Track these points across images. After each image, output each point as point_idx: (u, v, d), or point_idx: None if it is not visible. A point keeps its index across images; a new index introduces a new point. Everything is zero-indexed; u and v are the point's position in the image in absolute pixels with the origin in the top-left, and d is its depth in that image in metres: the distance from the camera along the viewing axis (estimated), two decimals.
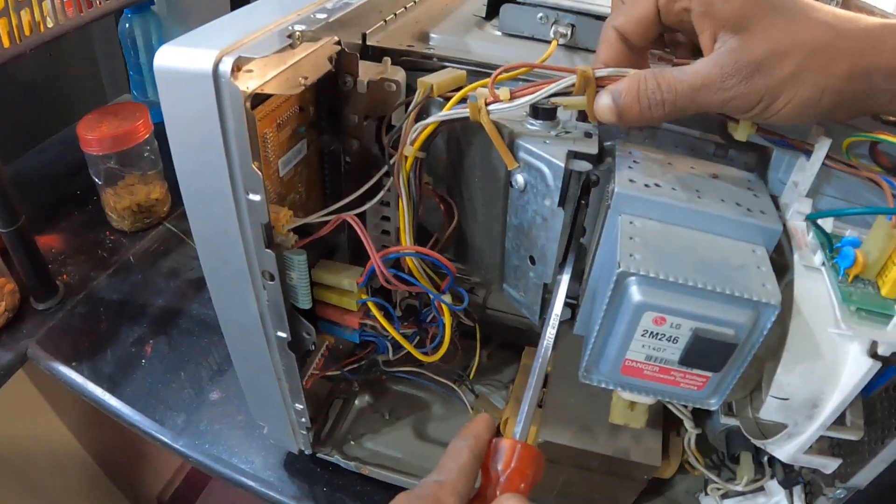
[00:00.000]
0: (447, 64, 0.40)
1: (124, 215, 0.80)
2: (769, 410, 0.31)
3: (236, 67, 0.28)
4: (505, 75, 0.33)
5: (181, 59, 0.29)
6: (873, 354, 0.28)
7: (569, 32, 0.40)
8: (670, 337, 0.27)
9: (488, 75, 0.34)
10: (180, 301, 0.74)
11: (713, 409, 0.31)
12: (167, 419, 0.61)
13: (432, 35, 0.43)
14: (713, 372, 0.28)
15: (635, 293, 0.27)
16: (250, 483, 0.56)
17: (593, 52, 0.42)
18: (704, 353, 0.27)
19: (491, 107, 0.32)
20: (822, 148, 0.31)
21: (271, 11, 0.33)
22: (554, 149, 0.32)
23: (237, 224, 0.33)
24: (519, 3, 0.41)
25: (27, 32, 0.59)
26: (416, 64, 0.41)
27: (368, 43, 0.41)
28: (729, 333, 0.26)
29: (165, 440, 0.60)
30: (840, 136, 0.32)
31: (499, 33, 0.44)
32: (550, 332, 0.32)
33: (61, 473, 1.03)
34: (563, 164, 0.31)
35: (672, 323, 0.27)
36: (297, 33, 0.31)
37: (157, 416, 0.61)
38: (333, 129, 0.41)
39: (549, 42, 0.41)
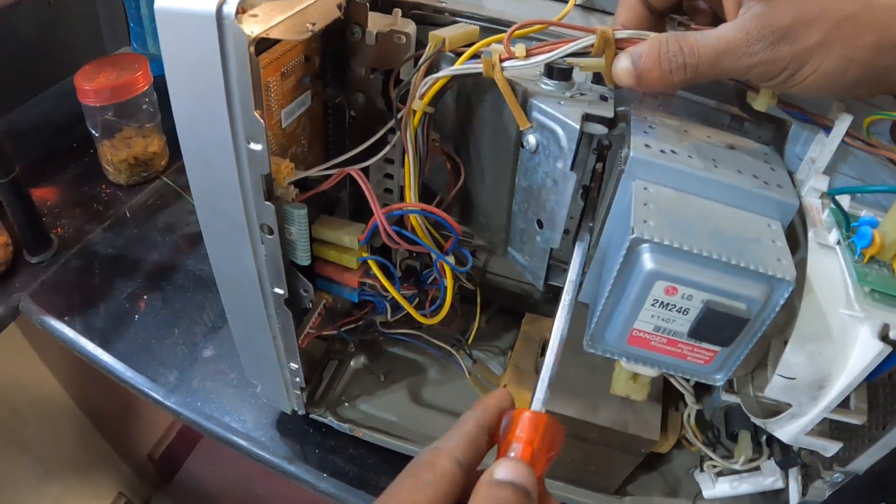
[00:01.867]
0: (459, 19, 0.39)
1: (121, 168, 0.79)
2: (774, 389, 0.30)
3: (241, 9, 0.27)
4: (521, 31, 0.32)
5: (182, 2, 0.27)
6: (884, 338, 0.27)
7: None
8: (681, 308, 0.27)
9: (502, 32, 0.32)
10: (176, 256, 0.73)
11: (719, 384, 0.30)
12: (159, 376, 0.61)
13: None
14: (722, 346, 0.28)
15: (648, 261, 0.26)
16: (241, 442, 0.56)
17: (610, 14, 0.40)
18: (715, 326, 0.26)
19: (505, 63, 0.30)
20: (842, 124, 0.30)
21: None
22: (569, 110, 0.31)
23: (236, 174, 0.32)
24: None
25: None
26: (428, 18, 0.39)
27: None
28: (741, 308, 0.26)
29: (157, 397, 0.60)
30: (861, 114, 0.31)
31: None
32: (567, 299, 0.31)
33: (52, 428, 1.03)
34: (577, 126, 0.30)
35: (683, 294, 0.26)
36: None
37: (150, 373, 0.61)
38: (339, 81, 0.40)
39: (565, 1, 0.39)
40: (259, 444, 0.56)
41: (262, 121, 0.30)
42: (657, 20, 0.32)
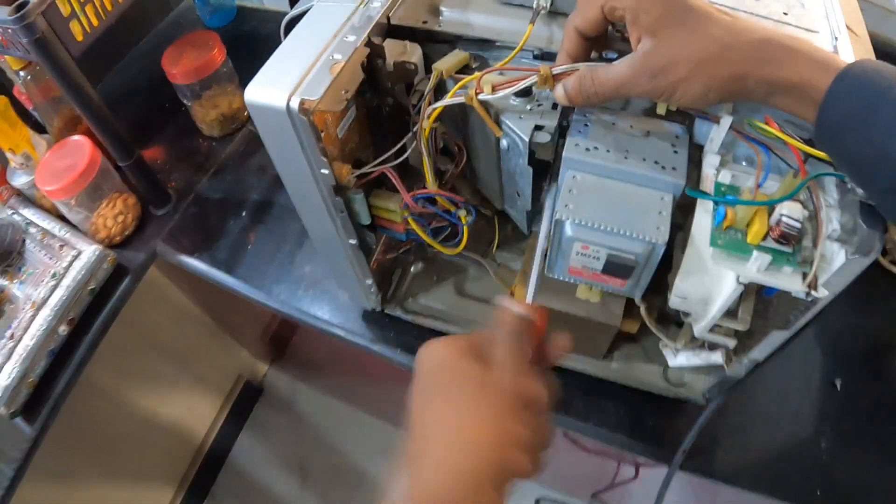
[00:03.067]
0: (453, 36, 0.52)
1: (213, 125, 0.96)
2: (675, 303, 0.46)
3: (301, 103, 0.43)
4: (485, 77, 0.45)
5: (263, 97, 0.44)
6: (738, 280, 0.41)
7: (548, 2, 0.51)
8: (594, 257, 0.43)
9: (488, 44, 0.47)
10: (270, 193, 0.91)
11: (637, 298, 0.47)
12: (273, 290, 0.81)
13: (442, 9, 0.54)
14: (625, 279, 0.44)
15: (568, 230, 0.42)
16: (339, 332, 0.77)
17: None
18: (615, 269, 0.43)
19: (480, 96, 0.45)
20: (725, 122, 0.43)
21: (312, 43, 0.46)
22: (524, 124, 0.46)
23: (316, 186, 0.50)
24: None
25: None
26: (430, 35, 0.53)
27: (392, 23, 0.53)
28: (630, 258, 0.42)
29: (274, 306, 0.81)
30: (745, 113, 0.43)
31: (496, 2, 0.54)
32: (542, 241, 0.47)
33: (183, 332, 1.29)
34: (527, 139, 0.45)
35: (593, 250, 0.42)
36: (336, 65, 0.44)
37: (265, 289, 0.81)
38: (373, 90, 0.55)
39: (533, 8, 0.51)
40: (351, 332, 0.77)
41: (324, 158, 0.46)
42: (592, 44, 0.44)
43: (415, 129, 0.50)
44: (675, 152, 0.45)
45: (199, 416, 1.52)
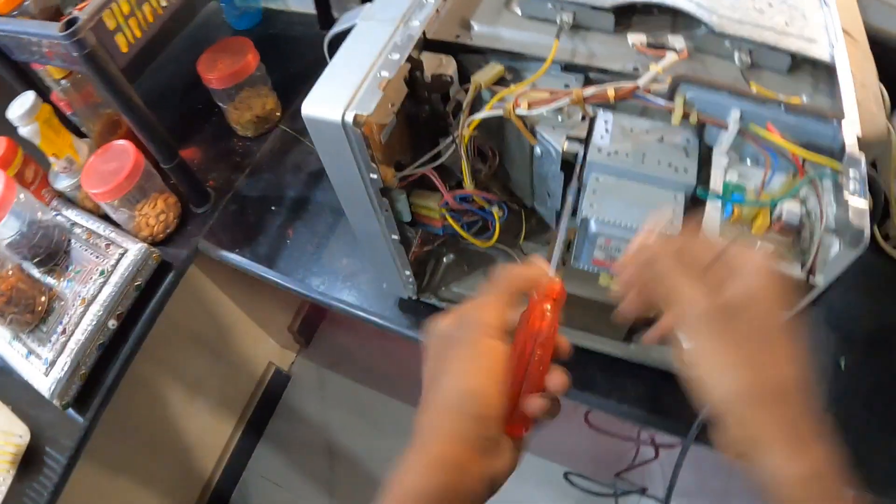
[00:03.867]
0: (485, 49, 0.58)
1: (247, 126, 1.02)
2: None
3: (355, 117, 0.48)
4: (522, 95, 0.51)
5: (320, 112, 0.49)
6: None
7: (571, 18, 0.56)
8: (616, 249, 0.49)
9: (518, 56, 0.53)
10: (306, 190, 0.96)
11: None
12: (312, 283, 0.87)
13: (472, 23, 0.59)
14: None
15: (592, 226, 0.48)
16: (377, 319, 0.83)
17: (594, 29, 0.57)
18: None
19: (517, 110, 0.51)
20: (733, 127, 0.48)
21: (360, 61, 0.51)
22: (557, 134, 0.51)
23: (364, 188, 0.56)
24: None
25: None
26: (464, 48, 0.58)
27: (428, 37, 0.58)
28: None
29: (314, 296, 0.86)
30: (750, 119, 0.48)
31: (521, 14, 0.59)
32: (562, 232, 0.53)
33: (217, 323, 1.35)
34: (560, 149, 0.50)
35: (615, 243, 0.48)
36: (384, 82, 0.50)
37: (306, 282, 0.87)
38: (412, 99, 0.61)
39: (556, 23, 0.57)
40: (388, 320, 0.82)
41: (374, 164, 0.52)
42: None
43: (454, 135, 0.55)
44: (687, 155, 0.50)
45: (232, 403, 1.59)
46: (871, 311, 0.77)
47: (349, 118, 0.48)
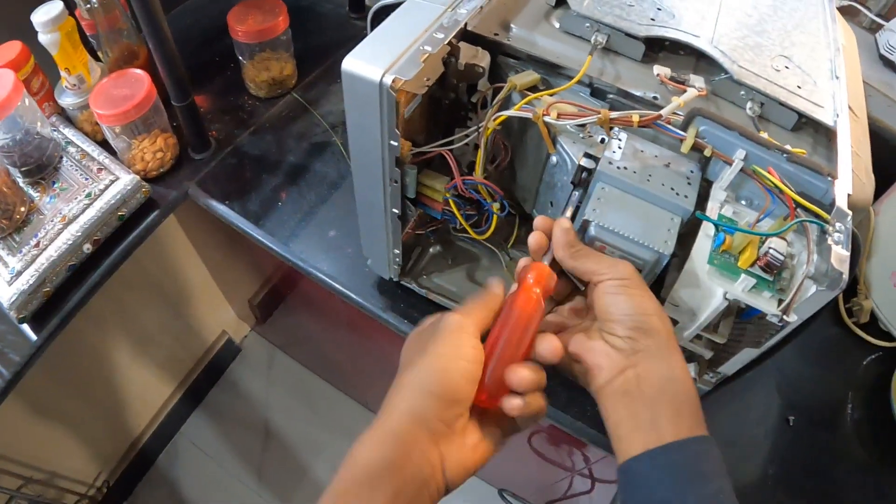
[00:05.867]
0: (519, 50, 0.60)
1: (261, 85, 1.03)
2: (668, 310, 0.54)
3: (394, 80, 0.50)
4: (553, 105, 0.53)
5: (361, 69, 0.51)
6: (724, 296, 0.50)
7: (604, 41, 0.59)
8: (610, 255, 0.51)
9: (552, 68, 0.55)
10: (307, 160, 0.97)
11: None
12: (297, 248, 0.87)
13: (512, 26, 0.62)
14: None
15: (591, 230, 0.50)
16: (352, 294, 0.83)
17: (623, 55, 0.60)
18: None
19: (546, 118, 0.53)
20: (737, 165, 0.51)
21: (406, 33, 0.53)
22: (576, 148, 0.54)
23: (381, 154, 0.57)
24: (574, 13, 0.59)
25: None
26: (499, 47, 0.61)
27: (468, 28, 0.61)
28: (639, 262, 0.50)
29: (294, 261, 0.86)
30: (753, 161, 0.51)
31: (558, 27, 0.62)
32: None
33: (181, 281, 1.35)
34: (577, 162, 0.53)
35: (609, 250, 0.50)
36: (426, 55, 0.52)
37: (290, 245, 0.87)
38: (441, 83, 0.63)
39: (591, 42, 0.60)
40: (363, 296, 0.83)
41: (398, 131, 0.54)
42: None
43: (479, 125, 0.57)
44: (689, 184, 0.53)
45: (178, 364, 1.56)
46: (826, 380, 0.82)
47: (388, 80, 0.50)
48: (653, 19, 0.59)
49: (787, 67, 0.60)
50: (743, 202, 0.54)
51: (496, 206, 0.63)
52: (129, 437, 1.49)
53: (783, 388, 0.80)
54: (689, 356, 0.63)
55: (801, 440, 0.76)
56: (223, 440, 1.62)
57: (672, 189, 0.52)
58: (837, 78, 0.61)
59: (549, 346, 0.43)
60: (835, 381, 0.82)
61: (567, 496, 1.27)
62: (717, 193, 0.53)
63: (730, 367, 0.58)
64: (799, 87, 0.59)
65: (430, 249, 0.83)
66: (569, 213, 0.52)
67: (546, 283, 0.47)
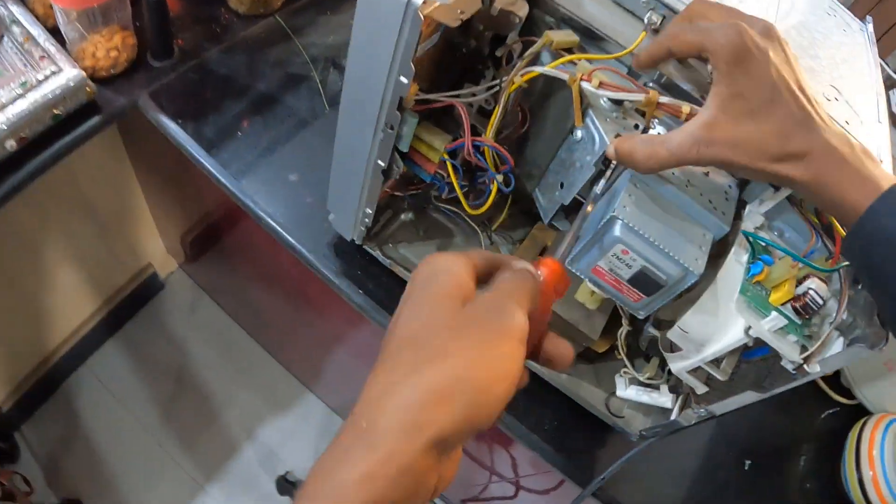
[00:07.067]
0: (561, 8, 0.52)
1: (243, 0, 0.91)
2: (674, 335, 0.48)
3: (424, 2, 0.41)
4: (597, 72, 0.46)
5: None
6: (746, 332, 0.44)
7: (659, 21, 0.52)
8: (627, 263, 0.44)
9: (588, 34, 0.48)
10: (279, 91, 0.86)
11: (640, 317, 0.48)
12: (251, 187, 0.76)
13: None
14: (646, 295, 0.45)
15: (617, 230, 0.43)
16: (303, 250, 0.73)
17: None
18: (643, 282, 0.44)
19: (582, 83, 0.45)
20: (784, 191, 0.45)
21: None
22: (608, 127, 0.46)
23: (382, 93, 0.48)
24: None
25: None
26: (539, 2, 0.53)
27: None
28: (662, 277, 0.43)
29: (244, 200, 0.75)
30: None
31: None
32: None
33: (113, 202, 1.23)
34: (608, 142, 0.45)
35: (631, 256, 0.43)
36: None
37: (241, 182, 0.76)
38: (462, 28, 0.54)
39: (642, 19, 0.52)
40: (316, 254, 0.73)
41: (413, 67, 0.45)
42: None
43: (502, 80, 0.49)
44: (727, 199, 0.47)
45: (98, 289, 1.43)
46: (783, 428, 0.79)
47: (418, 0, 0.41)
48: None
49: (836, 99, 0.54)
50: (775, 232, 0.48)
51: (500, 177, 0.54)
52: (37, 358, 1.35)
53: (745, 429, 0.78)
54: (676, 386, 0.58)
55: (753, 486, 0.73)
56: (131, 378, 1.49)
57: (710, 201, 0.46)
58: (880, 122, 0.56)
59: (563, 352, 0.35)
60: (792, 430, 0.80)
61: (481, 499, 1.22)
62: (754, 217, 0.47)
63: (722, 407, 0.52)
64: (847, 123, 0.53)
65: (402, 216, 0.74)
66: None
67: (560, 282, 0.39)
